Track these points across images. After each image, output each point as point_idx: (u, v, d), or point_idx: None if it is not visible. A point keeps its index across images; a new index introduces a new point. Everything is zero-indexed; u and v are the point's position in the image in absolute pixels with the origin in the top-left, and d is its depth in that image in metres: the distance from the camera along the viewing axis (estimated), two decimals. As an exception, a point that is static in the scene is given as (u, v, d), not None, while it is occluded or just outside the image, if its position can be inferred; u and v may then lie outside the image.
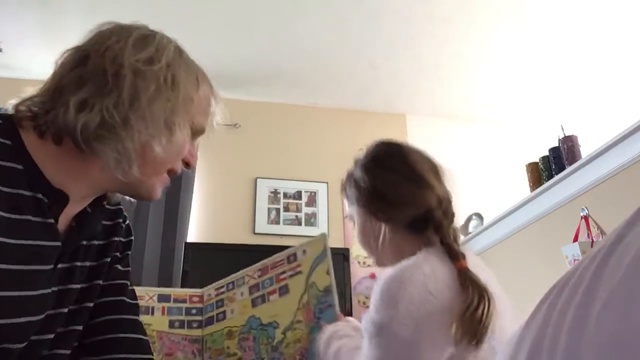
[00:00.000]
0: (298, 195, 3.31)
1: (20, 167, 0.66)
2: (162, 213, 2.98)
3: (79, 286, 0.76)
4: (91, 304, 0.79)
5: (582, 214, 1.74)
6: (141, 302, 1.20)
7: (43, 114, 0.69)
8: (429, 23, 2.82)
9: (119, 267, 0.86)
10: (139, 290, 1.23)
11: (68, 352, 0.76)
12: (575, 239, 1.73)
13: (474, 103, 3.58)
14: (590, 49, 3.03)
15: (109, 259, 0.82)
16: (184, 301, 1.26)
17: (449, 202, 0.97)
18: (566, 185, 1.87)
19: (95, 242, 0.81)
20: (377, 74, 3.27)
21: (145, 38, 0.75)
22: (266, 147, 3.39)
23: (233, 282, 1.26)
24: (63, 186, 0.70)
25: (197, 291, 1.29)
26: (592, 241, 1.67)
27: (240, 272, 1.26)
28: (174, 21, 2.75)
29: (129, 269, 0.89)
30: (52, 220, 0.69)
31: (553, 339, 0.30)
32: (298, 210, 3.28)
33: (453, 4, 2.68)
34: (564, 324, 0.29)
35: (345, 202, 1.08)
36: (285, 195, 3.29)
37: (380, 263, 1.03)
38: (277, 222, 3.22)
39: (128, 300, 0.86)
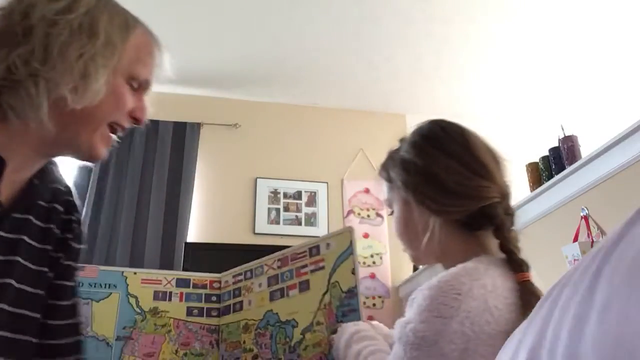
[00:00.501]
0: (298, 195, 3.31)
1: None
2: (162, 213, 2.98)
3: (27, 264, 0.73)
4: (42, 292, 0.75)
5: (582, 214, 1.74)
6: (158, 287, 1.14)
7: None
8: (429, 23, 2.82)
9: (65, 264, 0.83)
10: (156, 273, 1.17)
11: (27, 339, 0.72)
12: (575, 239, 1.73)
13: (473, 103, 3.58)
14: (590, 49, 3.03)
15: (52, 249, 0.79)
16: (204, 287, 1.18)
17: (509, 197, 0.84)
18: (566, 185, 1.86)
19: (52, 227, 0.78)
20: (377, 74, 3.27)
21: None
22: (266, 147, 3.39)
23: (251, 271, 1.18)
24: (1, 150, 0.68)
25: (216, 276, 1.21)
26: (592, 241, 1.67)
27: (259, 260, 1.18)
28: (174, 21, 2.75)
29: (75, 277, 0.86)
30: None
31: (553, 338, 0.30)
32: (298, 210, 3.28)
33: (453, 4, 2.68)
34: (564, 324, 0.29)
35: (384, 185, 0.93)
36: (285, 195, 3.29)
37: (419, 260, 0.91)
38: (277, 222, 3.22)
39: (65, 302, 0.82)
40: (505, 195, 0.83)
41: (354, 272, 1.01)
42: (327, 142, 3.50)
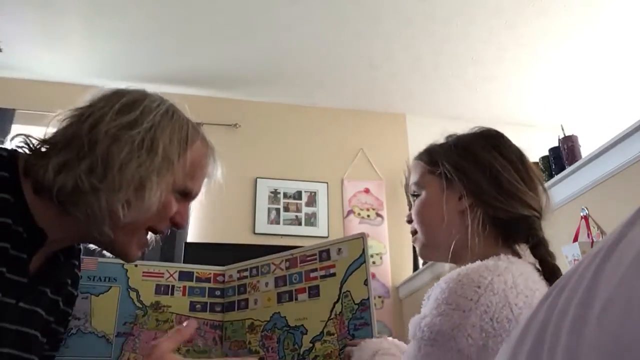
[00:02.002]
0: (298, 195, 3.31)
1: (11, 199, 0.68)
2: (162, 213, 2.98)
3: (37, 334, 0.76)
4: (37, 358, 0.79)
5: (582, 214, 1.74)
6: (161, 281, 1.11)
7: (30, 163, 0.72)
8: (429, 23, 2.82)
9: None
10: (158, 266, 1.13)
11: None
12: (575, 239, 1.73)
13: (473, 103, 3.58)
14: (590, 49, 3.03)
15: (54, 321, 0.83)
16: (207, 280, 1.14)
17: (542, 220, 0.85)
18: (566, 185, 1.86)
19: (59, 300, 0.82)
20: (377, 74, 3.27)
21: (133, 103, 0.76)
22: (266, 147, 3.39)
23: (257, 268, 1.14)
24: (45, 226, 0.72)
25: (220, 269, 1.17)
26: (592, 241, 1.67)
27: (265, 257, 1.14)
28: (175, 22, 2.75)
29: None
30: (24, 256, 0.70)
31: (553, 339, 0.30)
32: (298, 210, 3.28)
33: (453, 4, 2.68)
34: (564, 324, 0.29)
35: (418, 167, 0.91)
36: (285, 195, 3.29)
37: (428, 251, 0.89)
38: (277, 222, 3.22)
39: None
40: (541, 216, 0.83)
41: (366, 282, 0.97)
42: (327, 142, 3.50)
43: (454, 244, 0.82)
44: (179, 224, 0.83)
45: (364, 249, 1.00)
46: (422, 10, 2.72)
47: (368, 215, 3.33)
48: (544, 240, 0.80)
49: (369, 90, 3.45)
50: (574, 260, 1.67)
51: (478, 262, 0.73)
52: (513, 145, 0.89)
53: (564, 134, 1.96)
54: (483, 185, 0.81)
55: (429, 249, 0.88)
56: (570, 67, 3.19)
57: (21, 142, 0.74)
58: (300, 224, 3.24)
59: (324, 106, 3.60)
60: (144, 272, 1.10)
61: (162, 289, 1.11)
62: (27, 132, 0.75)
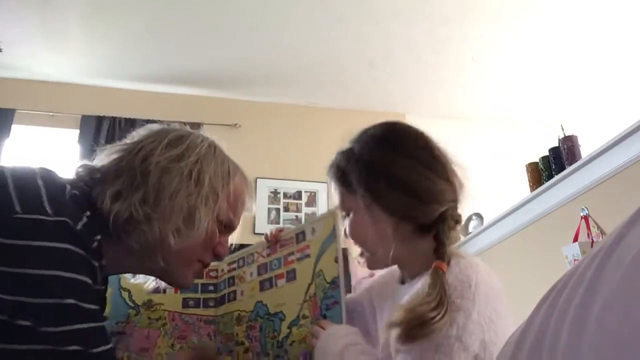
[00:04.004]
0: (298, 195, 3.31)
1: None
2: (162, 213, 2.98)
3: None
4: None
5: (582, 214, 1.74)
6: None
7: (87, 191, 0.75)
8: (429, 23, 2.82)
9: None
10: None
11: None
12: (575, 239, 1.73)
13: (473, 103, 3.58)
14: (590, 49, 3.03)
15: None
16: (199, 276, 1.11)
17: (459, 199, 0.83)
18: (566, 185, 1.86)
19: None
20: (377, 74, 3.27)
21: (180, 138, 0.81)
22: (266, 147, 3.39)
23: (244, 259, 1.13)
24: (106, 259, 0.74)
25: (212, 264, 1.14)
26: (592, 241, 1.67)
27: (250, 247, 1.13)
28: (175, 22, 2.75)
29: None
30: (103, 287, 0.74)
31: (553, 338, 0.30)
32: (298, 210, 3.28)
33: (453, 4, 2.68)
34: (564, 324, 0.29)
35: (337, 189, 0.90)
36: (285, 195, 3.29)
37: (375, 265, 0.87)
38: (277, 222, 3.22)
39: None
40: (458, 197, 0.82)
41: (337, 260, 0.93)
42: (327, 142, 3.48)
43: (394, 253, 0.81)
44: (220, 255, 0.87)
45: (334, 226, 0.97)
46: (422, 10, 2.72)
47: (368, 215, 3.34)
48: (454, 225, 0.80)
49: (369, 90, 3.45)
50: (574, 260, 1.67)
51: (477, 263, 0.74)
52: (414, 135, 0.85)
53: (564, 134, 1.96)
54: (400, 201, 0.78)
55: (374, 264, 0.87)
56: (571, 67, 3.19)
57: (81, 170, 0.78)
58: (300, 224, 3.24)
59: (324, 106, 3.60)
60: None
61: None
62: (86, 163, 0.79)
